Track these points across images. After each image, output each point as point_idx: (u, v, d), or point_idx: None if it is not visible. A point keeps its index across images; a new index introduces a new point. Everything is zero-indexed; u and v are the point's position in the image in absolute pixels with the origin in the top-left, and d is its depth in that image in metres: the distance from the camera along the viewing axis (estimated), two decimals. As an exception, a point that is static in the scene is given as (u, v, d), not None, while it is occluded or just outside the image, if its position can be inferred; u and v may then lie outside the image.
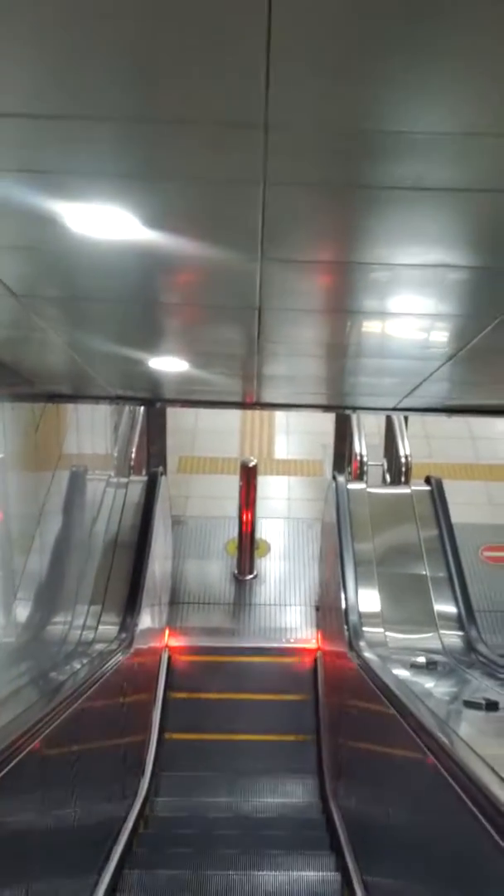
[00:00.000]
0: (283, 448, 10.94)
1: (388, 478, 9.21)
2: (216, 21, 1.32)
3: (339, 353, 4.03)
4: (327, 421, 10.14)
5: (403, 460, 8.49)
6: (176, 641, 8.43)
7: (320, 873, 5.12)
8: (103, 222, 2.22)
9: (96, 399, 5.54)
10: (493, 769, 2.66)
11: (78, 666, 5.10)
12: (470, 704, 4.30)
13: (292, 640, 8.57)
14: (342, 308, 3.19)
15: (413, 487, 8.10)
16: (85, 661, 5.42)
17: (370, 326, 3.48)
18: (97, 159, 1.89)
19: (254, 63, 1.42)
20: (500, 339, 3.30)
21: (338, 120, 1.67)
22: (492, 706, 4.13)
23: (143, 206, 2.14)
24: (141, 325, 3.60)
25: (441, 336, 3.49)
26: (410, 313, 3.22)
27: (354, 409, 6.66)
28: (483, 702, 4.15)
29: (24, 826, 3.29)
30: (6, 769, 2.87)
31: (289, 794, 6.99)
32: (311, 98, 1.58)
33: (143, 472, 8.84)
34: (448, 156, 1.80)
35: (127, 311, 3.33)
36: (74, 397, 5.39)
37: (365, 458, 8.78)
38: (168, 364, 4.25)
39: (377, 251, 2.49)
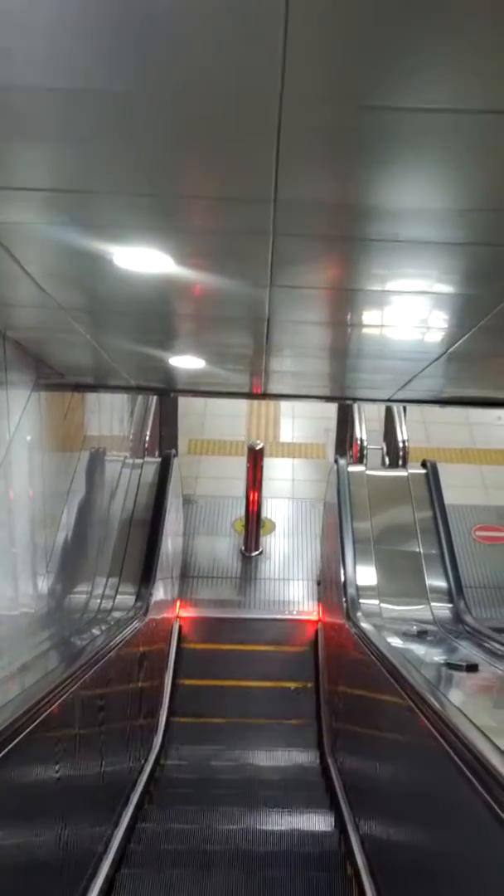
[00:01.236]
0: (289, 432, 11.46)
1: (386, 461, 9.72)
2: (235, 135, 1.85)
3: (340, 354, 4.56)
4: (330, 407, 10.62)
5: (401, 445, 9.01)
6: (186, 612, 9.01)
7: (307, 754, 6.85)
8: (141, 260, 2.75)
9: (118, 389, 6.07)
10: (470, 720, 3.14)
11: (97, 632, 5.66)
12: (452, 666, 4.83)
13: (295, 613, 9.14)
14: (342, 321, 3.72)
15: (410, 470, 8.62)
16: (104, 627, 5.98)
17: (368, 334, 4.00)
18: (141, 219, 2.43)
19: (265, 162, 1.94)
20: (476, 345, 3.83)
21: (333, 197, 2.20)
22: (471, 668, 4.67)
23: (172, 249, 2.67)
24: (162, 332, 4.13)
25: (427, 343, 4.01)
26: (401, 325, 3.74)
27: (354, 399, 7.20)
28: (464, 664, 4.69)
29: (69, 749, 3.85)
30: (50, 710, 3.43)
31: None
32: (310, 184, 2.11)
33: (156, 453, 9.37)
34: (418, 221, 2.33)
35: (152, 321, 3.86)
36: (98, 387, 5.91)
37: (365, 443, 9.30)
38: (184, 362, 4.78)
39: (371, 281, 3.02)
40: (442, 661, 5.66)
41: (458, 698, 4.19)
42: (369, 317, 3.63)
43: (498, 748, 2.62)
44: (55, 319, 3.69)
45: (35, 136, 1.88)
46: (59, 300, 3.40)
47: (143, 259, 2.73)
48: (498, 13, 1.34)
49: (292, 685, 8.30)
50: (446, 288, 3.02)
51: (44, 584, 5.19)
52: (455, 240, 2.48)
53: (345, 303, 3.39)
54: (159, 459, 9.08)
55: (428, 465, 8.51)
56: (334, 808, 5.86)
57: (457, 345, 3.90)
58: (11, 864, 3.01)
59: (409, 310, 3.42)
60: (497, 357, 4.20)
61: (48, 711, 3.39)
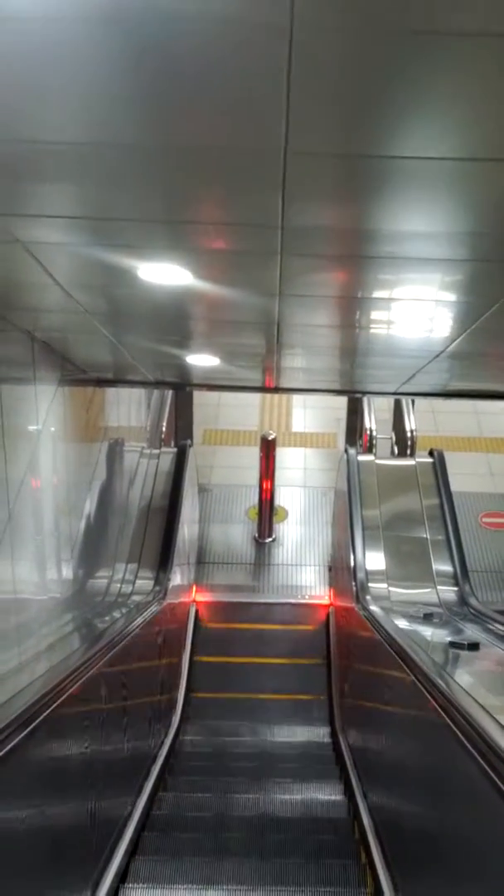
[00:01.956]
0: (300, 422, 11.76)
1: (395, 450, 10.00)
2: (244, 180, 2.14)
3: (348, 352, 4.85)
4: (341, 398, 10.90)
5: (409, 434, 9.29)
6: (202, 597, 9.34)
7: (317, 729, 7.28)
8: (160, 273, 3.05)
9: (136, 384, 6.37)
10: (470, 694, 3.39)
11: (118, 615, 5.99)
12: (455, 645, 5.13)
13: (307, 597, 9.46)
14: (348, 324, 4.01)
15: (417, 459, 8.90)
16: (124, 610, 6.31)
17: (373, 335, 4.30)
18: (159, 241, 2.74)
19: (273, 200, 2.24)
20: (472, 344, 4.11)
21: (335, 224, 2.50)
22: (473, 646, 4.96)
23: (189, 265, 2.97)
24: (179, 333, 4.44)
25: (428, 342, 4.29)
26: (403, 327, 4.03)
27: (363, 393, 7.49)
28: (466, 643, 4.98)
29: (97, 716, 4.19)
30: (82, 680, 3.76)
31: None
32: (314, 215, 2.40)
33: (172, 444, 9.68)
34: (413, 243, 2.62)
35: (170, 324, 4.17)
36: (118, 382, 6.22)
37: (374, 432, 9.59)
38: (200, 360, 5.08)
39: (373, 290, 3.32)
40: (446, 641, 5.97)
41: (459, 675, 4.49)
42: (374, 320, 3.92)
43: (495, 719, 2.89)
44: (80, 322, 3.99)
45: (66, 177, 2.18)
46: (85, 306, 3.70)
47: (162, 273, 3.03)
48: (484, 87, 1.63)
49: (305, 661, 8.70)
50: (444, 296, 3.31)
51: (68, 570, 5.51)
52: (450, 257, 2.77)
53: (350, 308, 3.68)
54: (175, 450, 9.39)
55: (435, 454, 8.79)
56: (343, 774, 6.22)
57: (454, 344, 4.18)
58: (50, 823, 3.34)
59: (410, 314, 3.71)
60: (492, 355, 4.48)
61: (77, 685, 3.72)
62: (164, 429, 9.20)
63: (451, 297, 3.32)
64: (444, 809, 3.35)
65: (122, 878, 4.37)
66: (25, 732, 2.80)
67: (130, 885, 4.29)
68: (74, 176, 2.17)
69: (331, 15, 1.40)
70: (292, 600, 9.40)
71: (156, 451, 8.80)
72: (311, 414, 11.81)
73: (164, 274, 3.04)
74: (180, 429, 10.25)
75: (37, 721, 2.99)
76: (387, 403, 10.51)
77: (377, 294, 3.38)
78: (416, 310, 3.59)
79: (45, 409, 4.76)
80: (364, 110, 1.74)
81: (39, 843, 3.18)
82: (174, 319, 4.05)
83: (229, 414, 11.54)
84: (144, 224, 2.56)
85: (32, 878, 3.10)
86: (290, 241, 2.59)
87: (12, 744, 2.64)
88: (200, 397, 11.12)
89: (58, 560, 5.28)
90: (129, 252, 2.85)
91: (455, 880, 3.06)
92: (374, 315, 3.80)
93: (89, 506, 6.02)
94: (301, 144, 1.89)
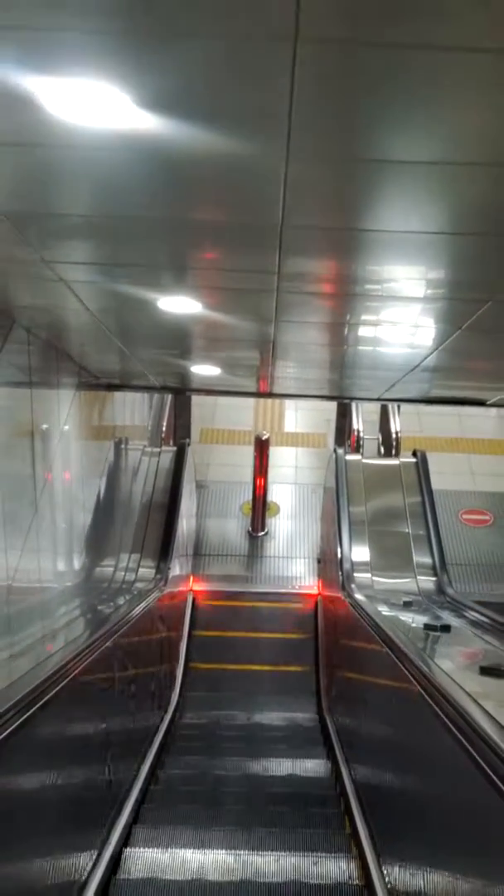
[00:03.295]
0: (292, 422, 12.37)
1: (381, 450, 10.61)
2: (247, 245, 2.75)
3: (336, 365, 5.46)
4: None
5: (394, 436, 9.91)
6: (199, 586, 9.96)
7: (307, 715, 7.91)
8: (174, 304, 3.65)
9: (143, 389, 6.98)
10: (440, 667, 3.95)
11: (122, 601, 6.59)
12: (429, 627, 5.74)
13: (297, 587, 10.08)
14: (336, 342, 4.62)
15: (401, 459, 9.52)
16: (128, 597, 6.92)
17: (358, 352, 4.91)
18: (173, 280, 3.34)
19: (271, 258, 2.84)
20: (441, 361, 4.73)
21: (326, 271, 3.10)
22: (445, 628, 5.59)
23: (199, 299, 3.57)
24: (185, 348, 5.05)
25: (404, 358, 4.90)
26: (385, 348, 4.65)
27: (349, 398, 8.12)
28: (438, 626, 5.61)
29: (109, 684, 4.79)
30: (95, 655, 4.36)
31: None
32: (308, 266, 3.01)
33: (172, 442, 10.28)
34: (388, 282, 3.24)
35: (178, 342, 4.79)
36: (127, 387, 6.82)
37: (361, 433, 10.21)
38: (202, 369, 5.69)
39: (359, 318, 3.93)
40: (421, 624, 6.58)
41: (431, 652, 5.11)
42: (359, 338, 4.53)
43: (461, 686, 3.45)
44: (101, 338, 4.60)
45: (97, 236, 2.79)
46: (107, 326, 4.30)
47: (176, 304, 3.64)
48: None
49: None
50: (419, 321, 3.92)
51: (80, 559, 6.11)
52: (421, 296, 3.39)
53: (337, 331, 4.30)
54: (175, 448, 9.99)
55: (418, 454, 9.41)
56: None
57: (427, 360, 4.80)
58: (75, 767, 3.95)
59: (390, 335, 4.33)
60: (459, 369, 5.10)
61: (90, 658, 4.32)
62: (164, 428, 9.79)
63: (424, 322, 3.93)
64: (411, 756, 3.97)
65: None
66: (62, 684, 3.41)
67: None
68: (106, 237, 2.78)
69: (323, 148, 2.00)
70: (283, 590, 10.02)
71: (157, 450, 9.39)
72: (303, 415, 12.42)
73: (177, 305, 3.65)
74: (179, 428, 10.84)
75: (70, 675, 3.62)
76: (374, 406, 11.10)
77: (362, 319, 3.98)
78: (395, 332, 4.20)
79: (65, 411, 5.36)
80: (351, 203, 2.35)
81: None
82: (182, 338, 4.66)
83: (225, 414, 12.13)
84: (164, 269, 3.17)
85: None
86: (285, 282, 3.20)
87: (57, 689, 3.25)
88: (198, 398, 11.68)
89: (73, 550, 5.88)
90: (148, 288, 3.45)
91: (412, 812, 3.70)
92: (360, 334, 4.41)
93: (99, 500, 6.62)
94: (295, 221, 2.49)
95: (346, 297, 3.51)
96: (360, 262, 2.93)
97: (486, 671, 3.97)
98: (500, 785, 2.39)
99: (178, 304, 3.65)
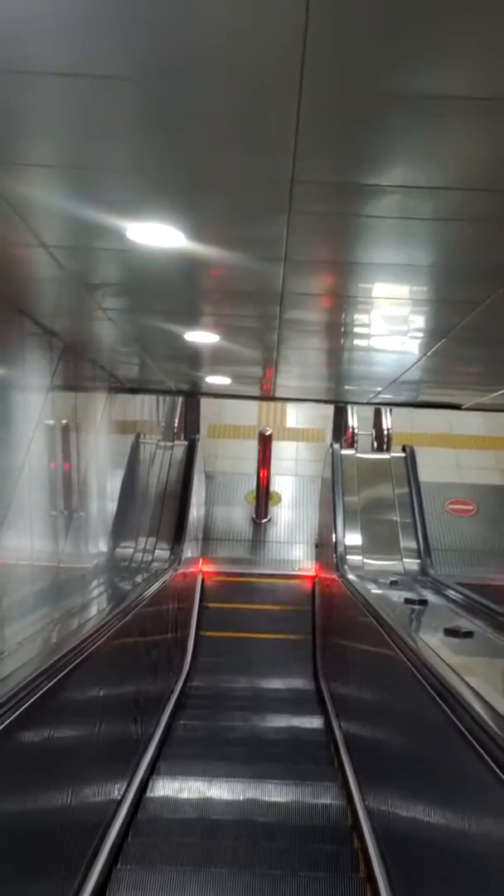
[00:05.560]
0: (294, 419, 13.33)
1: (374, 445, 11.56)
2: (256, 299, 3.71)
3: (331, 376, 6.42)
4: (329, 398, 12.44)
5: (385, 432, 10.86)
6: (208, 567, 10.95)
7: (304, 681, 8.77)
8: (197, 336, 4.61)
9: (161, 392, 7.96)
10: (417, 634, 4.87)
11: (140, 579, 7.56)
12: (409, 602, 6.69)
13: (297, 569, 11.08)
14: (330, 362, 5.58)
15: (392, 454, 10.49)
16: (147, 575, 7.90)
17: (351, 363, 5.83)
18: (200, 323, 4.30)
19: (272, 307, 3.79)
20: (418, 374, 5.68)
21: (319, 318, 4.06)
22: (423, 602, 6.56)
23: (219, 333, 4.53)
24: (201, 364, 6.01)
25: (387, 370, 5.84)
26: (373, 364, 5.59)
27: (344, 402, 9.10)
28: (417, 600, 6.58)
29: (134, 646, 5.77)
30: (121, 623, 5.32)
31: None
32: (301, 314, 3.96)
33: (183, 437, 11.25)
34: (388, 306, 4.20)
35: (196, 359, 5.75)
36: (147, 390, 7.79)
37: (356, 430, 11.18)
38: (214, 378, 6.66)
39: (352, 343, 4.87)
40: (403, 599, 7.53)
41: (409, 621, 6.07)
42: (353, 360, 5.49)
43: (432, 649, 4.30)
44: (131, 355, 5.57)
45: (142, 297, 3.74)
46: (142, 346, 5.27)
47: (196, 336, 4.61)
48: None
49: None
50: (400, 343, 4.86)
51: (106, 543, 7.07)
52: (415, 304, 4.32)
53: (333, 355, 5.27)
54: (186, 443, 10.97)
55: (407, 449, 10.37)
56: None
57: (406, 373, 5.75)
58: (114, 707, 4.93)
59: (377, 358, 5.28)
60: (432, 381, 6.07)
61: (119, 623, 5.28)
62: (176, 425, 10.75)
63: (405, 348, 4.87)
64: (389, 708, 4.91)
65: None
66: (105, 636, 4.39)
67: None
68: (155, 297, 3.74)
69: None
70: (284, 571, 11.02)
71: (169, 444, 10.35)
72: (303, 412, 13.36)
73: (197, 336, 4.62)
74: (189, 424, 11.79)
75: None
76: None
77: (355, 343, 4.93)
78: (379, 355, 5.16)
79: (100, 411, 6.33)
80: (339, 287, 3.31)
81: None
82: (197, 356, 5.63)
83: (231, 411, 13.06)
84: (189, 315, 4.13)
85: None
86: (285, 325, 4.15)
87: (100, 641, 4.23)
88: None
89: (99, 535, 6.83)
90: (176, 322, 4.41)
91: (387, 748, 4.67)
92: (350, 356, 5.36)
93: (122, 489, 7.59)
94: (290, 287, 3.44)
95: (337, 333, 4.47)
96: (350, 312, 3.88)
97: (448, 632, 4.93)
98: (444, 705, 3.27)
99: (198, 336, 4.61)
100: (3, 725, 2.64)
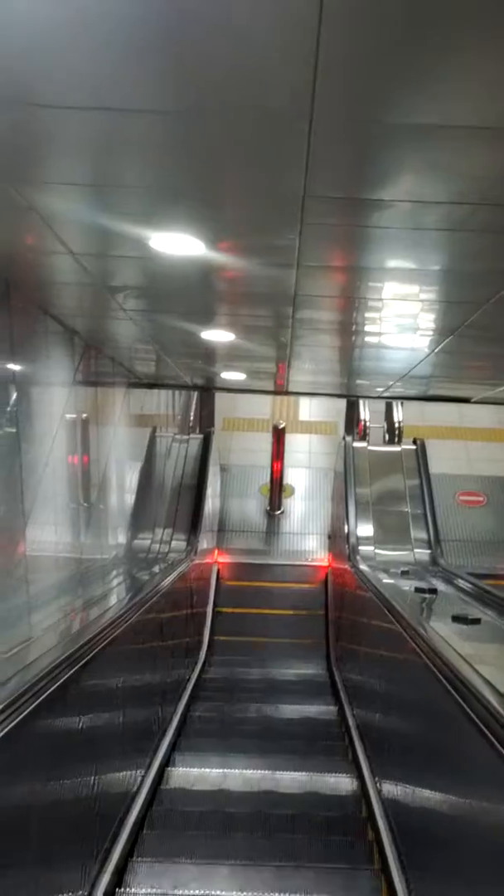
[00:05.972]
0: (307, 411, 13.51)
1: (386, 438, 11.73)
2: (269, 310, 3.89)
3: (342, 371, 6.60)
4: (341, 391, 12.61)
5: (397, 425, 11.03)
6: (223, 558, 11.16)
7: (317, 669, 8.91)
8: (214, 335, 4.80)
9: (177, 387, 8.15)
10: (430, 625, 5.05)
11: (157, 570, 7.77)
12: (419, 590, 6.88)
13: (311, 559, 11.27)
14: (342, 357, 5.75)
15: (403, 446, 10.65)
16: (163, 565, 8.10)
17: (362, 359, 6.01)
18: (217, 324, 4.49)
19: (285, 308, 3.98)
20: (426, 369, 5.85)
21: (329, 317, 4.25)
22: (432, 591, 6.74)
23: (235, 332, 4.71)
24: (217, 360, 6.20)
25: (397, 365, 6.02)
26: (382, 360, 5.77)
27: (355, 396, 9.28)
28: (427, 589, 6.76)
29: (157, 630, 5.98)
30: (144, 608, 5.52)
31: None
32: (313, 314, 4.14)
33: (198, 430, 11.45)
34: (397, 313, 4.38)
35: (211, 356, 5.94)
36: (164, 386, 7.99)
37: (368, 423, 11.35)
38: (229, 374, 6.85)
39: (362, 341, 5.05)
40: (414, 588, 7.70)
41: (421, 609, 6.25)
42: (363, 356, 5.67)
43: (442, 637, 4.49)
44: (149, 352, 5.76)
45: (164, 300, 3.94)
46: (160, 343, 5.46)
47: (214, 335, 4.79)
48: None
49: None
50: (409, 340, 5.03)
51: (125, 534, 7.28)
52: (424, 304, 4.51)
53: (344, 352, 5.44)
54: (201, 436, 11.17)
55: (418, 442, 10.53)
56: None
57: (415, 368, 5.93)
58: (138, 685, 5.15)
59: (387, 353, 5.45)
60: (441, 376, 6.24)
61: (140, 611, 5.49)
62: (191, 418, 10.95)
63: (412, 345, 5.05)
64: (399, 690, 5.10)
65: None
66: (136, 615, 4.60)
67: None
68: (177, 301, 3.93)
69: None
70: (298, 562, 11.22)
71: (185, 437, 10.55)
72: (316, 406, 13.54)
73: (215, 335, 4.80)
74: (204, 418, 11.99)
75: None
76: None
77: (366, 341, 5.10)
78: (390, 351, 5.33)
79: (118, 406, 6.53)
80: (350, 286, 3.49)
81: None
82: (213, 353, 5.82)
83: (245, 404, 13.25)
84: (206, 315, 4.32)
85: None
86: (298, 323, 4.34)
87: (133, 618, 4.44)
88: (220, 390, 12.82)
89: (118, 528, 7.04)
90: (193, 322, 4.60)
91: (400, 729, 4.87)
92: (361, 353, 5.54)
93: (140, 481, 7.80)
94: (302, 290, 3.62)
95: (348, 331, 4.65)
96: (360, 312, 4.06)
97: (456, 619, 5.12)
98: (445, 682, 3.48)
99: (214, 335, 4.80)
100: (32, 707, 2.77)
